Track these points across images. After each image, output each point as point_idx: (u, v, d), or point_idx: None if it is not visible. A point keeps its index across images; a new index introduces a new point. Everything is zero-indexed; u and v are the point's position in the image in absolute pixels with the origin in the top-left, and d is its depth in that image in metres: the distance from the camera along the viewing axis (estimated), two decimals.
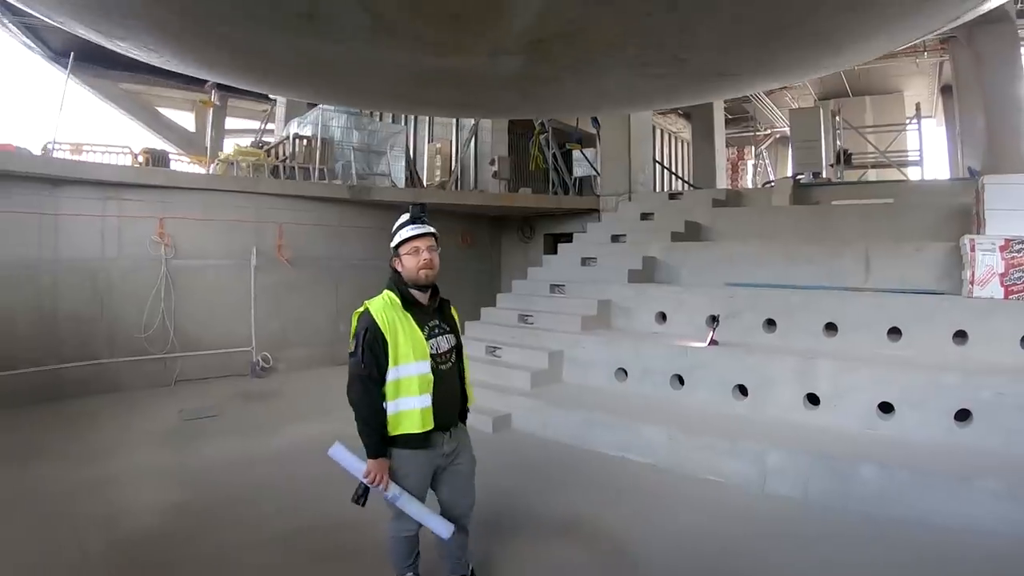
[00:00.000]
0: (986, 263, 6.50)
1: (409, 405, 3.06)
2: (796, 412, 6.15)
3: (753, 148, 23.21)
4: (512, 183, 14.57)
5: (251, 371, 9.93)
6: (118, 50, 6.29)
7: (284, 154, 12.46)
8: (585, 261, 10.22)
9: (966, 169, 12.11)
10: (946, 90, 16.85)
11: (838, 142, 14.67)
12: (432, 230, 3.22)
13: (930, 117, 18.98)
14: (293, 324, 10.74)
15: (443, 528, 3.14)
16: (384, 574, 3.50)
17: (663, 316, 8.19)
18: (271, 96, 15.49)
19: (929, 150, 17.05)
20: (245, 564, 3.97)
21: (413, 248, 3.14)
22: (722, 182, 18.28)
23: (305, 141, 12.41)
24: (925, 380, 5.65)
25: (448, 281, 9.92)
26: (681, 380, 6.99)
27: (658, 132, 18.64)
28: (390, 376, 3.06)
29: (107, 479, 5.36)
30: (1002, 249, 6.43)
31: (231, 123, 16.42)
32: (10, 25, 13.15)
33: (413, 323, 3.11)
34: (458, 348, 3.34)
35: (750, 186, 21.11)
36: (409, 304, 3.16)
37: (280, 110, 16.18)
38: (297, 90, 10.24)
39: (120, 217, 8.86)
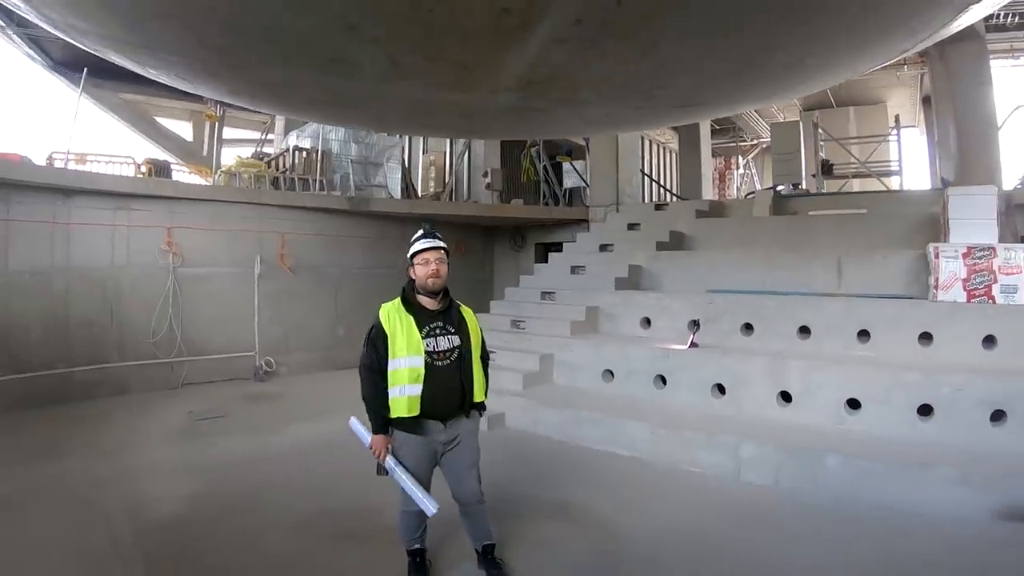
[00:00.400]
0: (949, 269, 6.96)
1: (400, 393, 3.56)
2: (770, 409, 6.60)
3: (740, 158, 23.66)
4: (504, 194, 14.95)
5: (254, 375, 10.28)
6: (147, 75, 6.74)
7: (284, 166, 12.85)
8: (574, 269, 10.62)
9: (940, 179, 12.57)
10: (927, 101, 17.02)
11: (820, 153, 15.16)
12: (442, 244, 3.71)
13: (913, 127, 19.29)
14: (294, 330, 11.13)
15: (427, 505, 3.53)
16: (398, 553, 3.93)
17: (647, 321, 8.59)
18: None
19: (910, 160, 17.35)
20: (270, 546, 4.34)
21: (424, 259, 3.65)
22: (708, 192, 18.63)
23: (304, 153, 12.81)
24: (890, 378, 6.09)
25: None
26: (664, 380, 7.41)
27: (646, 143, 18.98)
28: (389, 367, 3.57)
29: (128, 473, 5.72)
30: (964, 256, 6.90)
31: (229, 133, 16.68)
32: (13, 36, 13.43)
33: (413, 323, 3.59)
34: (465, 349, 3.73)
35: (737, 196, 21.49)
36: (411, 307, 3.65)
37: (280, 122, 16.51)
38: (315, 117, 11.05)
39: (129, 227, 9.22)
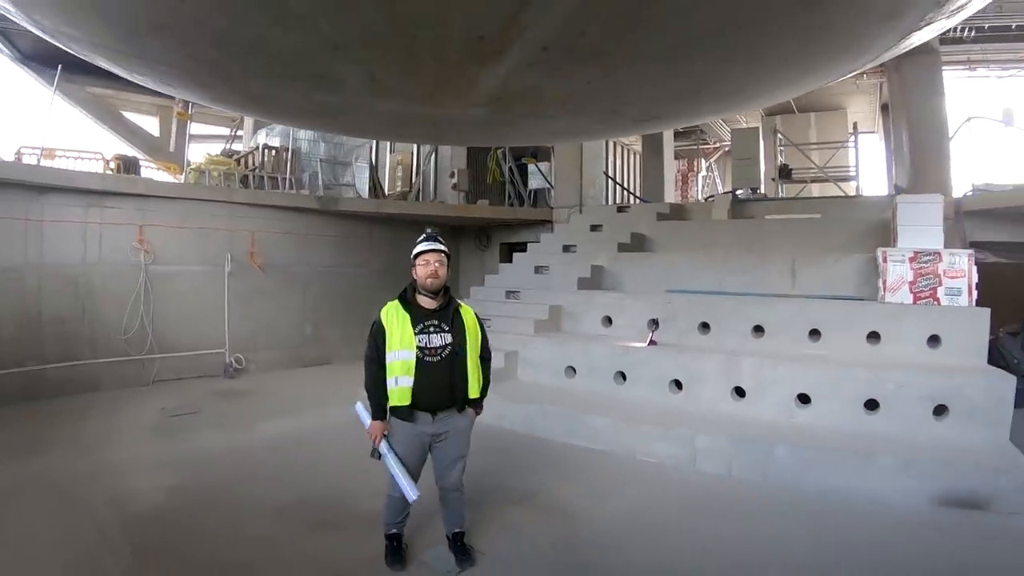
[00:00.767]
0: (897, 272, 7.40)
1: (395, 383, 3.87)
2: (724, 403, 6.97)
3: (703, 161, 24.07)
4: (470, 195, 15.11)
5: (224, 372, 10.37)
6: (132, 80, 6.90)
7: (254, 164, 12.90)
8: (538, 269, 10.91)
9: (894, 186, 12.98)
10: (885, 108, 17.18)
11: (779, 158, 15.60)
12: (442, 248, 4.05)
13: (873, 132, 19.67)
14: (263, 328, 11.23)
15: (409, 492, 3.83)
16: (373, 538, 4.21)
17: (608, 320, 8.92)
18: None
19: (869, 166, 17.65)
20: (251, 534, 4.55)
21: (425, 260, 3.99)
22: (670, 194, 18.87)
23: (274, 151, 12.88)
24: (839, 375, 6.50)
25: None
26: (624, 376, 7.74)
27: (610, 145, 19.24)
28: (387, 360, 3.88)
29: (108, 468, 5.83)
30: (911, 260, 7.34)
31: (197, 128, 16.60)
32: None
33: (408, 320, 3.89)
34: (458, 347, 4.01)
35: (700, 198, 21.85)
36: (408, 305, 3.96)
37: (248, 119, 16.46)
38: (296, 123, 11.49)
39: (102, 224, 9.24)
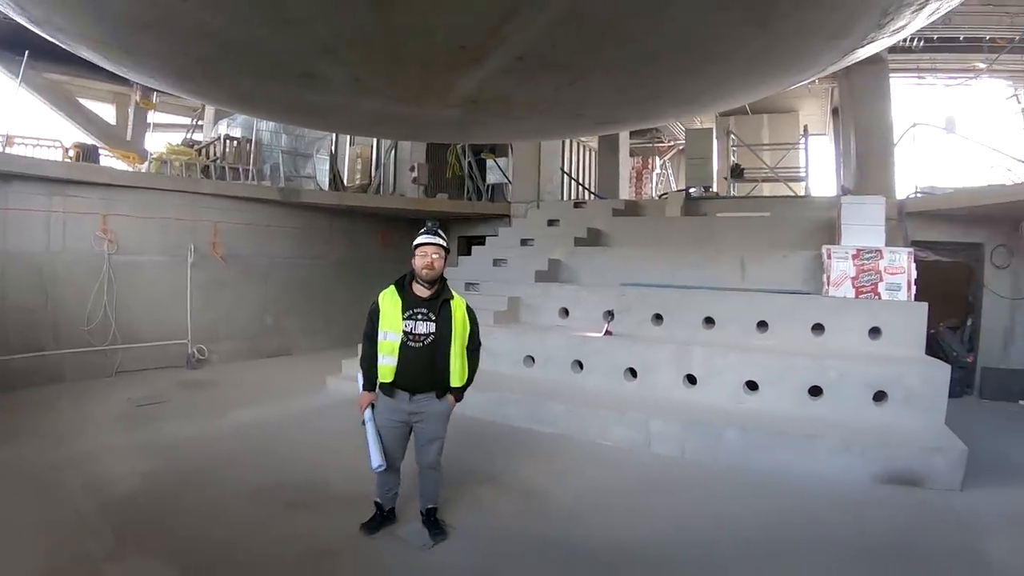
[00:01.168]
0: (840, 268, 7.86)
1: (382, 361, 4.23)
2: (677, 390, 7.37)
3: (657, 158, 24.51)
4: (430, 188, 15.17)
5: (187, 362, 10.39)
6: (115, 71, 7.00)
7: (215, 154, 12.88)
8: (497, 262, 11.14)
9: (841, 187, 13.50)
10: (836, 112, 17.49)
11: (732, 158, 16.06)
12: (440, 242, 4.30)
13: (823, 135, 20.16)
14: (224, 318, 11.24)
15: (374, 459, 4.18)
16: (351, 517, 4.51)
17: (565, 311, 9.23)
18: None
19: (819, 167, 18.01)
20: (230, 515, 4.75)
21: (423, 252, 4.26)
22: (625, 191, 19.20)
23: (235, 142, 12.87)
24: (785, 363, 6.95)
25: (369, 277, 10.81)
26: (580, 365, 8.08)
27: (568, 142, 19.46)
28: (379, 338, 4.22)
29: (82, 455, 5.88)
30: (854, 257, 7.81)
31: (157, 117, 16.32)
32: None
33: (399, 305, 4.21)
34: (441, 336, 4.26)
35: (654, 195, 22.23)
36: (402, 291, 4.26)
37: (210, 109, 16.25)
38: (277, 118, 11.78)
39: (65, 212, 9.13)
